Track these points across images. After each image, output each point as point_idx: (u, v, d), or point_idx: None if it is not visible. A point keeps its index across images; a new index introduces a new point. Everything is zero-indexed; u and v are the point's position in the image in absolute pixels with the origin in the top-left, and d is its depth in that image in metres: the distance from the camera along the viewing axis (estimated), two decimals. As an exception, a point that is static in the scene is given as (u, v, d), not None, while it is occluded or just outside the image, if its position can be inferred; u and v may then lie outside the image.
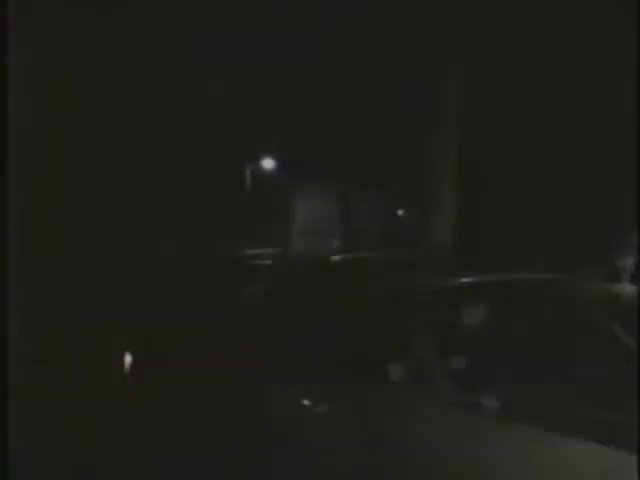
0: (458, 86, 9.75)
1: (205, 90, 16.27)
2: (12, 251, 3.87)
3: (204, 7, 14.04)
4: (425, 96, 9.77)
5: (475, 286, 4.17)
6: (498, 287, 4.28)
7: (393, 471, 3.58)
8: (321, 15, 13.20)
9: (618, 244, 9.12)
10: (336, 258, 6.17)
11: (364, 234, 20.65)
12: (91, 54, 14.81)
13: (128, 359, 5.02)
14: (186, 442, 4.19)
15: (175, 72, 15.73)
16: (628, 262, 8.81)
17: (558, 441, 3.05)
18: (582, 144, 15.23)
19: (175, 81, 15.72)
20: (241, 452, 4.09)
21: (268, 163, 21.33)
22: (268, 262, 6.58)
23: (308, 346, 4.13)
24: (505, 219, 16.22)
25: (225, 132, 17.18)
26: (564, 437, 3.05)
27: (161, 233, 14.96)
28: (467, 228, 10.99)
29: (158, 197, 16.64)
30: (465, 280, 4.17)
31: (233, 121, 17.09)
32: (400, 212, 22.49)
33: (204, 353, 4.66)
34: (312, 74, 15.78)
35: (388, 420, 3.64)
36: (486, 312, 4.36)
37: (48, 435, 5.25)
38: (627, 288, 8.18)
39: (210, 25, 14.43)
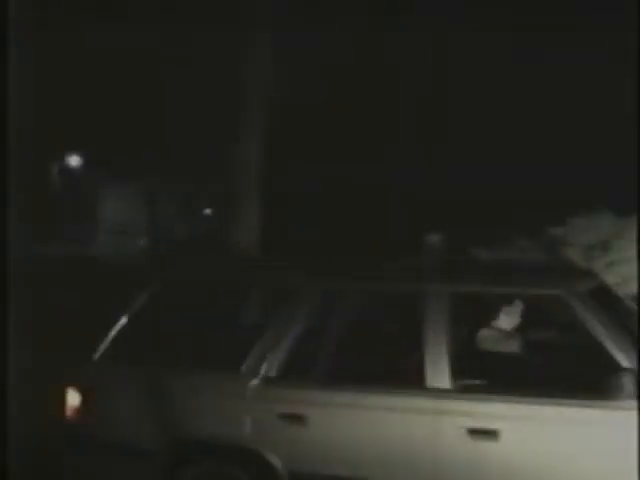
0: (264, 83, 9.51)
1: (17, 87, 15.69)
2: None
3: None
4: (230, 95, 9.58)
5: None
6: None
7: None
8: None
9: (422, 244, 9.33)
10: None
11: (170, 233, 20.34)
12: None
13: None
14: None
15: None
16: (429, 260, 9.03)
17: None
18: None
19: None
20: None
21: (75, 160, 20.38)
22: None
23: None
24: (310, 218, 16.15)
25: (31, 129, 16.67)
26: None
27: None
28: (273, 227, 10.92)
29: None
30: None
31: (39, 118, 16.61)
32: (207, 211, 22.30)
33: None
34: (129, 72, 15.42)
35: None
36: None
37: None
38: None
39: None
